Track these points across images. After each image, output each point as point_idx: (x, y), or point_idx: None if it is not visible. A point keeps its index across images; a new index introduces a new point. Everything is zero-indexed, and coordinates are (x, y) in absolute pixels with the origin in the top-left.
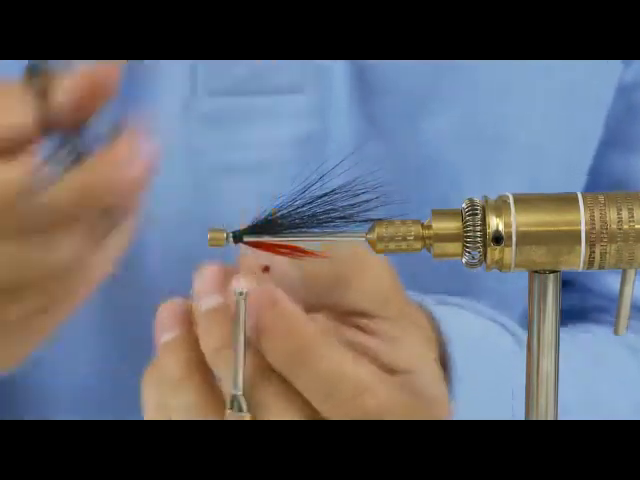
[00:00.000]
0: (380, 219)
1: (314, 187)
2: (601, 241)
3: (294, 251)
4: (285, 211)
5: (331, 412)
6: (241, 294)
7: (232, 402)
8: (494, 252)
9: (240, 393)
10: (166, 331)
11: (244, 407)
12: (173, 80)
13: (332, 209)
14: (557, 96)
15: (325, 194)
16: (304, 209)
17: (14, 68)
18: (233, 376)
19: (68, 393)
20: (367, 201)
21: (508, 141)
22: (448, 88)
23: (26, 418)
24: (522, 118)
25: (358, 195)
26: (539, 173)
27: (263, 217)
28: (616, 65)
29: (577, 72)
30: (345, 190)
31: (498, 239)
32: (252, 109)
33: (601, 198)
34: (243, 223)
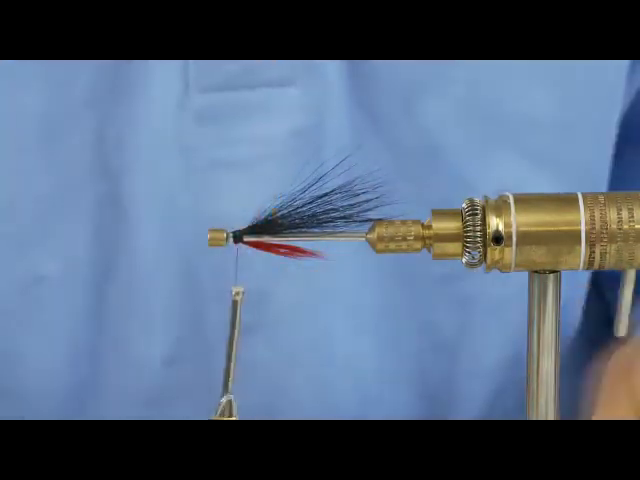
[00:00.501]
0: (380, 219)
1: (314, 187)
2: (601, 241)
3: (294, 251)
4: (285, 211)
5: None
6: (237, 294)
7: (224, 408)
8: (494, 252)
9: (232, 397)
10: None
11: (235, 412)
12: (165, 78)
13: (332, 209)
14: (559, 80)
15: (325, 194)
16: (304, 209)
17: (11, 68)
18: (224, 380)
19: (59, 393)
20: (367, 201)
21: (511, 125)
22: (446, 74)
23: (14, 418)
24: (524, 99)
25: (358, 195)
26: (544, 160)
27: (263, 217)
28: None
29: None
30: (345, 190)
31: (498, 239)
32: (245, 104)
33: (601, 198)
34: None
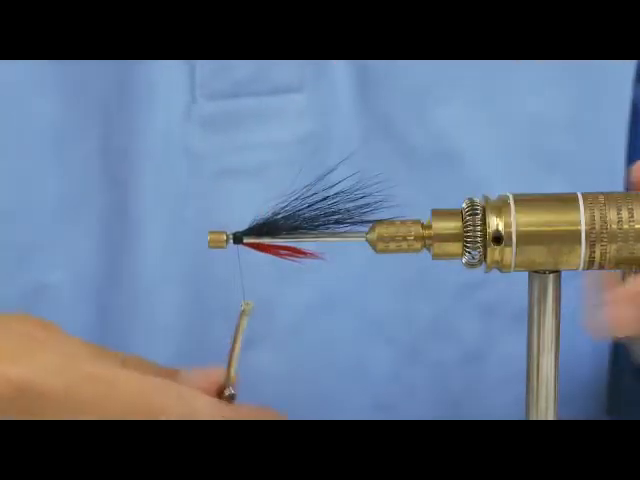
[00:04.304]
0: (380, 219)
1: (317, 188)
2: (601, 241)
3: (294, 252)
4: (287, 213)
5: None
6: (248, 304)
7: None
8: (494, 252)
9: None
10: None
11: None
12: (172, 85)
13: (336, 211)
14: (571, 81)
15: (328, 196)
16: (308, 210)
17: (17, 74)
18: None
19: None
20: (374, 203)
21: (524, 127)
22: (456, 78)
23: None
24: (536, 101)
25: (364, 197)
26: (557, 162)
27: (263, 218)
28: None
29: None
30: (350, 192)
31: (498, 239)
32: (252, 111)
33: (601, 198)
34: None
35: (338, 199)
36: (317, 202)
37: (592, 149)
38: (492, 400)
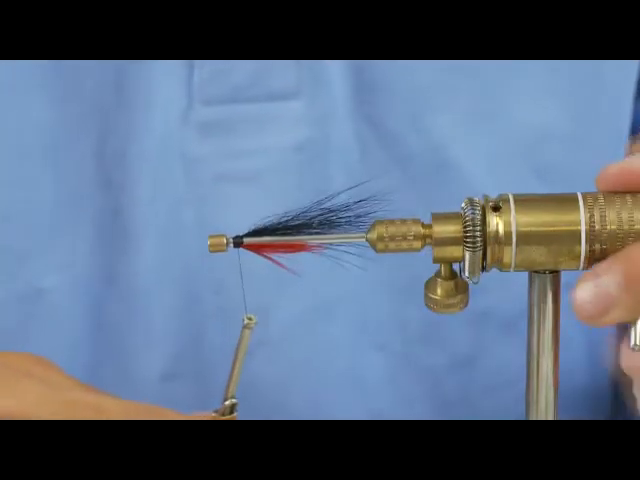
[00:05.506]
0: (380, 219)
1: (318, 199)
2: (601, 242)
3: (295, 248)
4: (285, 219)
5: None
6: (250, 319)
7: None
8: (494, 252)
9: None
10: None
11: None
12: (169, 90)
13: (336, 224)
14: (568, 91)
15: (330, 210)
16: (306, 215)
17: (14, 78)
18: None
19: None
20: (371, 212)
21: (520, 136)
22: (453, 86)
23: None
24: (533, 111)
25: (361, 202)
26: (553, 172)
27: (263, 224)
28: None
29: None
30: (348, 205)
31: (497, 208)
32: (249, 117)
33: (601, 199)
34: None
35: (336, 208)
36: (315, 209)
37: (591, 160)
38: (485, 405)
